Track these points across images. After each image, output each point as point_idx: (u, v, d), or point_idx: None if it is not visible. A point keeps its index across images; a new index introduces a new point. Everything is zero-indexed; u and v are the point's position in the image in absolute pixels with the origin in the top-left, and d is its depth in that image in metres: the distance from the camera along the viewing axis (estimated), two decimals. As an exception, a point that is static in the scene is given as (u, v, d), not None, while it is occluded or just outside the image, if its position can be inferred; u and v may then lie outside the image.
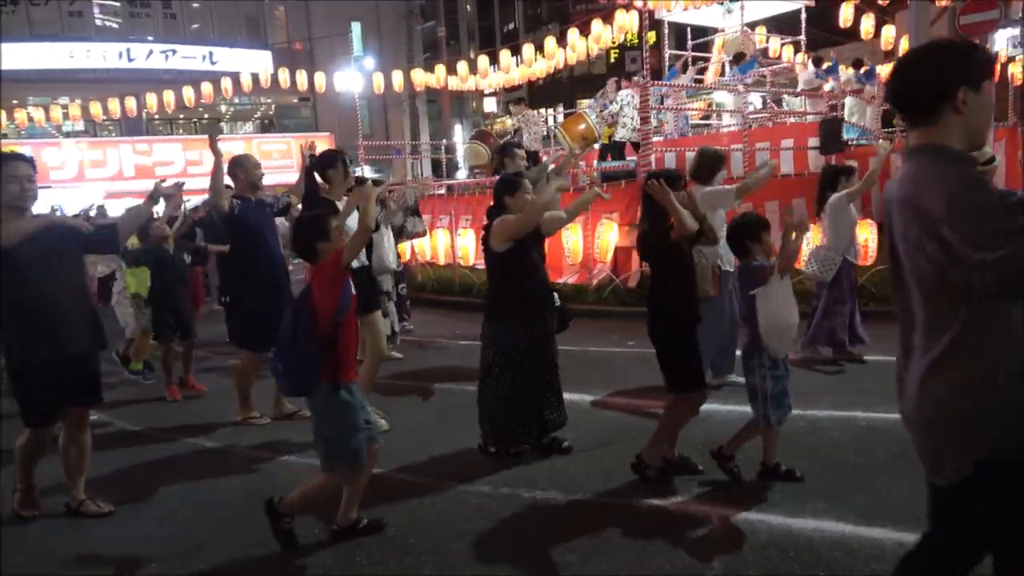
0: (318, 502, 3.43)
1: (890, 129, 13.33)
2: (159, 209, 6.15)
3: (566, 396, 5.61)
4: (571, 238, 9.26)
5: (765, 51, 15.33)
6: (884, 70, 15.47)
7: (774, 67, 14.67)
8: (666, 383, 3.95)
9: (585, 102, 23.34)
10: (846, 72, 14.06)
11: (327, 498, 3.46)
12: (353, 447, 3.27)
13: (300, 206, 5.25)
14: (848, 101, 13.01)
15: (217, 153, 5.13)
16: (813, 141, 10.50)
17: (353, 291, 3.31)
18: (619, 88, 11.81)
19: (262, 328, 5.07)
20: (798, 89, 13.51)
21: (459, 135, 32.31)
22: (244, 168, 5.33)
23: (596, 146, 11.86)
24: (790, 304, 3.70)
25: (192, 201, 10.15)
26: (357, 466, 3.32)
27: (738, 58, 13.37)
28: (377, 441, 3.48)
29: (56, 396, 3.76)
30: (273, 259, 5.34)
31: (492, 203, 4.40)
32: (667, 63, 14.60)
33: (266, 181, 8.25)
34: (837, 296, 5.92)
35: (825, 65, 13.75)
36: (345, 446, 3.26)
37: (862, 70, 13.93)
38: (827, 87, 12.97)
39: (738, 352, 4.76)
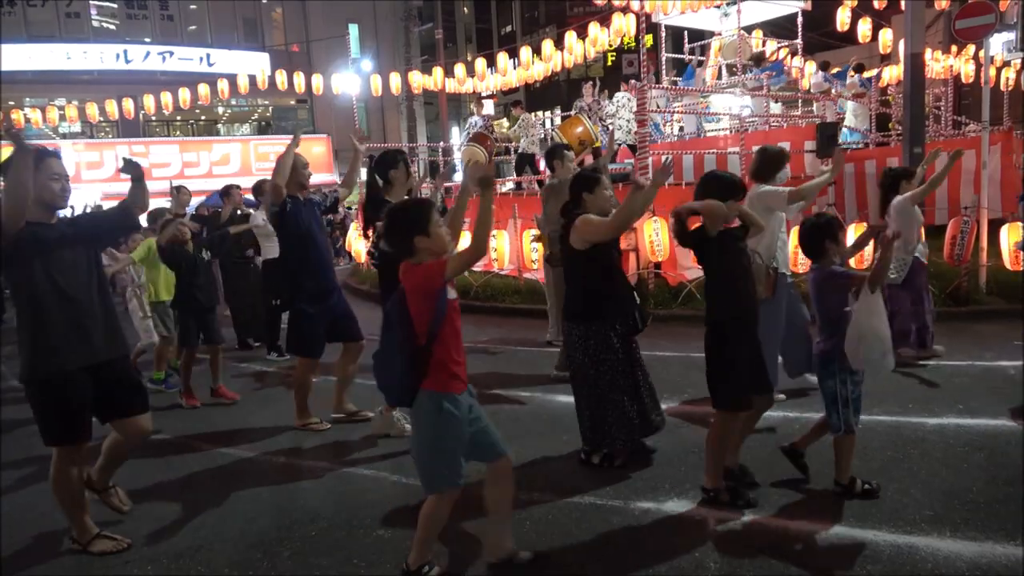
0: (436, 532, 3.00)
1: (886, 132, 13.38)
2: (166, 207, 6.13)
3: (562, 399, 5.65)
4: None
5: (762, 54, 15.37)
6: (882, 74, 15.55)
7: (768, 72, 14.71)
8: (711, 398, 3.68)
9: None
10: (851, 76, 14.14)
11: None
12: (449, 464, 2.87)
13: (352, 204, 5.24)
14: (849, 105, 13.07)
15: (293, 145, 4.95)
16: (809, 144, 10.53)
17: (452, 295, 2.89)
18: (595, 91, 11.86)
19: (317, 333, 5.02)
20: (802, 92, 13.59)
21: (456, 137, 32.32)
22: (293, 167, 5.09)
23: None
24: (883, 315, 3.46)
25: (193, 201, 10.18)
26: (453, 485, 2.89)
27: (758, 60, 13.50)
28: (503, 455, 3.03)
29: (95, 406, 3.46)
30: (325, 260, 5.18)
31: (569, 200, 4.17)
32: (664, 66, 14.63)
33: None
34: (913, 296, 5.97)
35: (834, 70, 13.86)
36: (440, 463, 2.88)
37: (864, 75, 14.02)
38: (834, 91, 13.06)
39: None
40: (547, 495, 3.87)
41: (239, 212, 8.09)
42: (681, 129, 14.13)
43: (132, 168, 3.79)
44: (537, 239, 7.50)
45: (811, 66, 14.08)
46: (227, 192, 8.28)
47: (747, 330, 3.59)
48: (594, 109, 12.27)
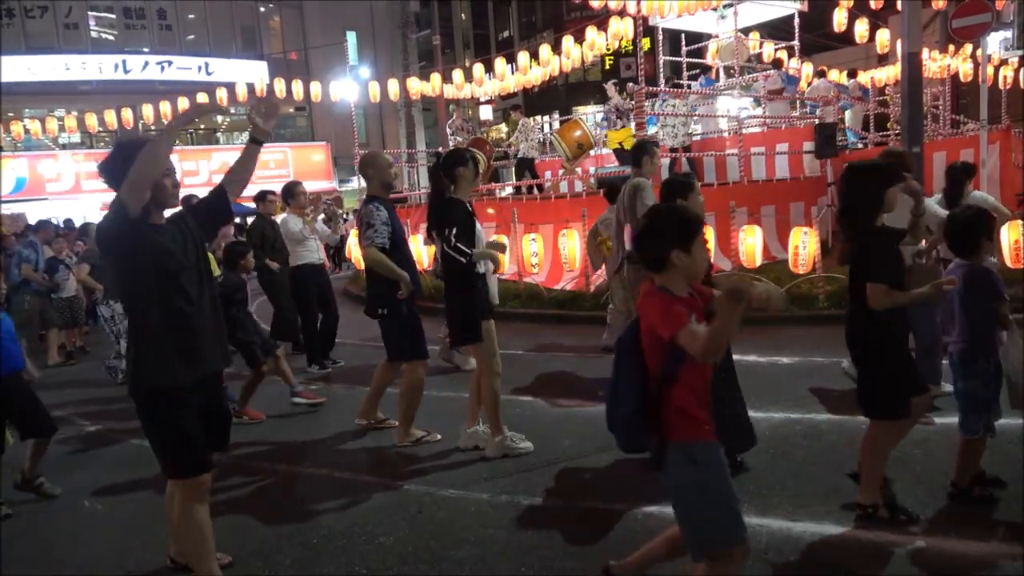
0: None
1: (884, 132, 13.39)
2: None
3: (564, 402, 5.64)
4: (568, 244, 9.26)
5: (759, 56, 15.41)
6: (879, 74, 15.58)
7: (767, 73, 14.75)
8: (861, 407, 3.39)
9: (581, 109, 23.43)
10: (849, 81, 14.22)
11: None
12: (721, 517, 2.35)
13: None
14: (850, 107, 13.15)
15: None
16: (808, 145, 10.54)
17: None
18: (620, 91, 11.82)
19: (418, 337, 4.88)
20: (808, 95, 13.64)
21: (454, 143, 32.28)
22: (376, 167, 4.87)
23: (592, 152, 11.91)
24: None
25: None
26: (738, 537, 2.36)
27: (776, 65, 13.60)
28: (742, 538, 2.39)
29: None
30: (412, 264, 4.94)
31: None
32: (661, 69, 14.65)
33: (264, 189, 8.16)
34: None
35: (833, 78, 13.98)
36: (701, 521, 2.37)
37: (857, 79, 14.12)
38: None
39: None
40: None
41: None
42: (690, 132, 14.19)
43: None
44: (599, 240, 7.23)
45: (808, 67, 14.12)
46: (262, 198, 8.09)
47: (902, 333, 3.38)
48: (621, 109, 12.13)
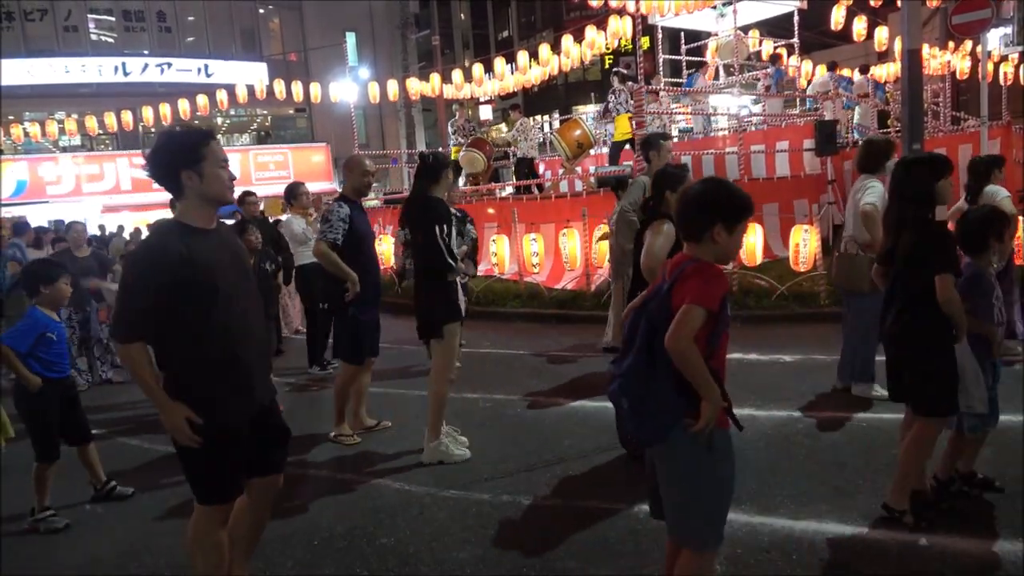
0: None
1: (886, 129, 13.37)
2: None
3: (565, 402, 5.63)
4: (569, 244, 9.25)
5: (759, 54, 15.40)
6: (879, 71, 15.57)
7: (766, 71, 14.75)
8: (914, 405, 3.31)
9: (581, 108, 23.43)
10: (858, 77, 14.19)
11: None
12: (719, 513, 2.34)
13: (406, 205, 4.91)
14: (859, 105, 13.13)
15: None
16: (808, 143, 10.52)
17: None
18: (621, 79, 11.75)
19: (367, 339, 4.96)
20: (810, 92, 13.63)
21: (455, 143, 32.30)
22: (351, 171, 4.97)
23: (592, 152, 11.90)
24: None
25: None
26: (716, 539, 2.36)
27: (774, 61, 13.61)
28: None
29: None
30: (372, 267, 5.04)
31: (651, 195, 3.96)
32: (661, 67, 14.65)
33: (263, 192, 8.16)
34: (1007, 287, 5.81)
35: (847, 72, 13.98)
36: (709, 511, 2.33)
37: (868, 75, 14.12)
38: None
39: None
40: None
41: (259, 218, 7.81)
42: (690, 129, 14.19)
43: None
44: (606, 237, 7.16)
45: (807, 64, 14.11)
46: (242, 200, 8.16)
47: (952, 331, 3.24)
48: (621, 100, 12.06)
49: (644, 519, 3.56)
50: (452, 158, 5.00)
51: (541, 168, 13.96)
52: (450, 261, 4.34)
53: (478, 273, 6.86)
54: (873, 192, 4.74)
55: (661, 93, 12.73)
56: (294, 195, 7.40)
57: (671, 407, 2.24)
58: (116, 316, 2.63)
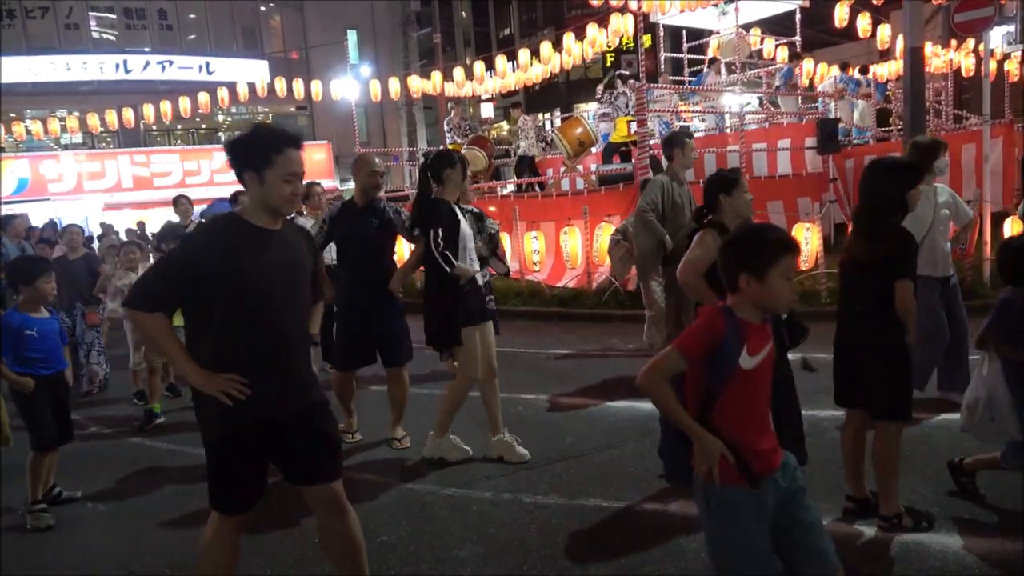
0: None
1: (886, 128, 13.36)
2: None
3: (566, 400, 5.63)
4: (570, 242, 9.25)
5: (760, 52, 15.37)
6: (881, 70, 15.54)
7: (770, 68, 14.73)
8: (875, 410, 3.27)
9: (583, 106, 23.39)
10: (861, 77, 14.17)
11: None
12: (742, 571, 2.10)
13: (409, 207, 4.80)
14: (860, 104, 13.10)
15: None
16: (810, 141, 10.51)
17: (750, 364, 2.10)
18: (623, 81, 11.73)
19: (345, 346, 4.88)
20: (821, 91, 13.61)
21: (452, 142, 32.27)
22: (362, 172, 4.84)
23: (593, 150, 11.89)
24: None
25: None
26: None
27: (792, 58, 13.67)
28: (835, 569, 2.15)
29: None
30: (368, 270, 4.83)
31: (703, 203, 3.78)
32: (663, 65, 14.63)
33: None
34: None
35: (850, 72, 13.95)
36: (732, 567, 2.13)
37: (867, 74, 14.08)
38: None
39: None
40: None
41: None
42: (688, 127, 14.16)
43: None
44: (623, 250, 7.04)
45: (809, 63, 14.08)
46: (235, 199, 8.19)
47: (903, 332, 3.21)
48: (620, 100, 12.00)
49: (646, 517, 3.57)
50: (454, 152, 4.82)
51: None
52: (444, 266, 4.22)
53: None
54: (944, 192, 4.73)
55: (666, 91, 12.71)
56: (307, 195, 7.36)
57: (677, 454, 2.21)
58: (140, 287, 2.56)
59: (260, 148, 2.48)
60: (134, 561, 3.56)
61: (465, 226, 4.43)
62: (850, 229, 3.49)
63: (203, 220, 9.24)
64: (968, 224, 5.20)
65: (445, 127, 14.37)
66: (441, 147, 19.79)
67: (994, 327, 3.22)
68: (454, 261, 4.26)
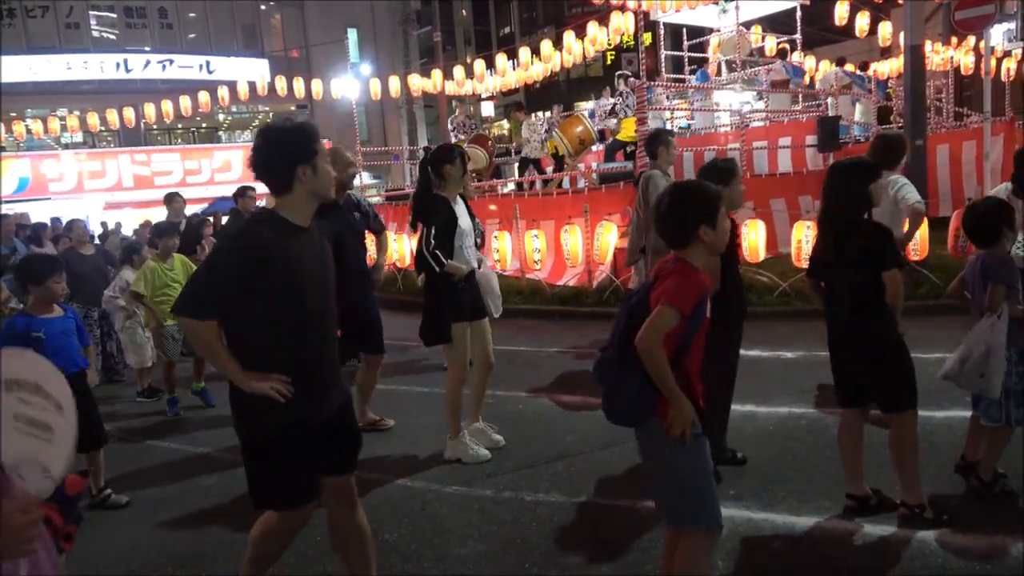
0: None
1: (887, 125, 13.35)
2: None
3: (567, 399, 5.64)
4: (571, 240, 9.25)
5: (761, 50, 15.37)
6: (882, 67, 15.54)
7: (769, 67, 14.72)
8: (885, 404, 3.31)
9: (583, 104, 23.40)
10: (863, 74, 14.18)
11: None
12: (709, 498, 2.45)
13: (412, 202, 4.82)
14: (863, 100, 13.12)
15: None
16: (811, 139, 10.51)
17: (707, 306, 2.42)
18: (624, 80, 11.73)
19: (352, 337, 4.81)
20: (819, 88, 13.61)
21: (454, 139, 32.27)
22: (337, 166, 4.62)
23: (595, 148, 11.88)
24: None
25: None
26: (717, 525, 2.47)
27: (782, 56, 13.64)
28: None
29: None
30: (350, 269, 4.78)
31: None
32: (663, 63, 14.64)
33: (261, 189, 8.18)
34: None
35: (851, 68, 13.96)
36: (697, 494, 2.43)
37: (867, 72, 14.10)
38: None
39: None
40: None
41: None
42: (689, 126, 14.18)
43: None
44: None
45: (811, 60, 14.10)
46: (244, 193, 8.26)
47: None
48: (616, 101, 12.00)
49: (646, 515, 3.57)
50: (456, 147, 4.79)
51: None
52: (432, 262, 4.23)
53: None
54: (910, 188, 4.81)
55: (656, 88, 12.70)
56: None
57: (642, 397, 2.36)
58: (193, 293, 2.53)
59: (306, 140, 2.53)
60: (135, 560, 3.57)
61: (464, 222, 4.43)
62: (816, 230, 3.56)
63: (206, 217, 9.26)
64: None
65: (449, 126, 14.37)
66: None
67: (1004, 288, 3.25)
68: (443, 260, 4.26)
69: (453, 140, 13.13)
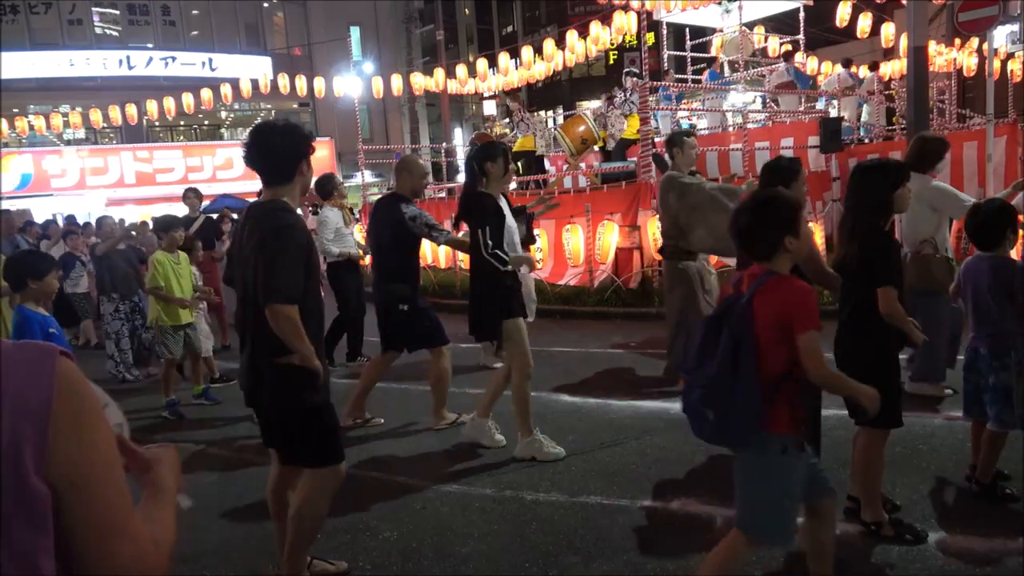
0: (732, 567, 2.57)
1: (891, 127, 13.34)
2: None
3: (568, 398, 5.64)
4: (572, 239, 9.25)
5: (764, 51, 15.35)
6: (885, 68, 15.52)
7: (773, 67, 14.71)
8: (854, 415, 3.18)
9: (585, 104, 23.39)
10: (869, 74, 14.15)
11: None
12: (787, 517, 2.47)
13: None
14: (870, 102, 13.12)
15: None
16: (813, 140, 10.50)
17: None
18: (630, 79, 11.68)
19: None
20: (822, 88, 13.60)
21: (459, 138, 32.34)
22: (411, 174, 5.05)
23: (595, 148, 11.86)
24: None
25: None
26: (787, 538, 2.57)
27: (786, 58, 13.63)
28: (830, 494, 2.62)
29: None
30: (377, 267, 5.28)
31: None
32: (665, 64, 14.62)
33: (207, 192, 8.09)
34: None
35: (854, 70, 13.94)
36: (778, 514, 2.45)
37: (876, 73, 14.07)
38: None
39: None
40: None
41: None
42: (692, 125, 14.16)
43: None
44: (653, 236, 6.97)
45: (813, 61, 14.08)
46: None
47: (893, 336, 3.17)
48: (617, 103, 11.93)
49: (647, 515, 3.57)
50: (499, 144, 4.80)
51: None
52: (498, 266, 4.22)
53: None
54: (950, 195, 4.72)
55: (669, 88, 12.70)
56: (334, 187, 7.31)
57: (755, 414, 2.33)
58: (278, 282, 2.69)
59: (307, 139, 2.81)
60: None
61: (510, 219, 4.41)
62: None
63: (208, 216, 9.26)
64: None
65: (504, 123, 13.77)
66: (444, 144, 19.81)
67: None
68: (506, 257, 4.27)
69: (520, 136, 12.52)
